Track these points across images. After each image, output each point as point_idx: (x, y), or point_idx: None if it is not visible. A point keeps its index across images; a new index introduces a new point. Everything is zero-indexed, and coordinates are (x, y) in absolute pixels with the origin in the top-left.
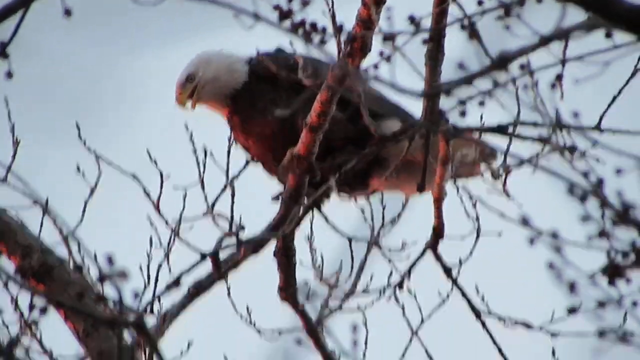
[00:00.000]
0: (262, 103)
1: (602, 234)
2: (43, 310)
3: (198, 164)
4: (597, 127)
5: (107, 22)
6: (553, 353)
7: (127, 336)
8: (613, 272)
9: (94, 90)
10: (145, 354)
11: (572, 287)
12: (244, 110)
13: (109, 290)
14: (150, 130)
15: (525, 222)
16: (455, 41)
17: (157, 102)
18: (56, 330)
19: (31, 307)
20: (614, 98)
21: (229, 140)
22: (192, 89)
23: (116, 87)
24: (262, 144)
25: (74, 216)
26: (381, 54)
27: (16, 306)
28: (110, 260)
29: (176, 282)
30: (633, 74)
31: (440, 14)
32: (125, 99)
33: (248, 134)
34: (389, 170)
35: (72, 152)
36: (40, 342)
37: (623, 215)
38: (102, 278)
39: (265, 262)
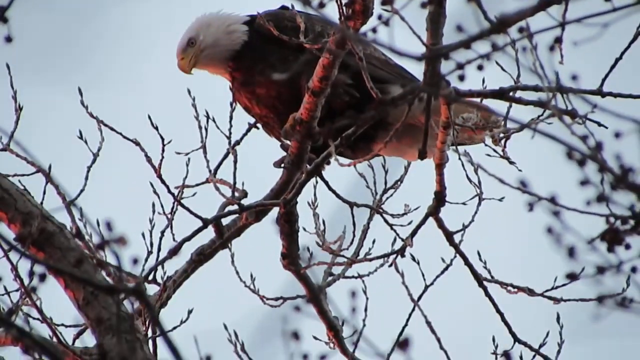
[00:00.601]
0: (268, 63)
1: (601, 198)
2: (42, 278)
3: (200, 129)
4: (599, 91)
5: None
6: (558, 319)
7: (128, 304)
8: (612, 238)
9: (97, 56)
10: (145, 321)
11: (571, 252)
12: (248, 71)
13: (109, 257)
14: (152, 96)
15: (523, 186)
16: (453, 4)
17: (159, 67)
18: (57, 299)
19: (31, 274)
20: (616, 61)
21: (231, 105)
22: (192, 53)
23: (118, 53)
24: (266, 104)
25: (77, 182)
26: (379, 17)
27: (16, 274)
28: (109, 226)
29: (178, 249)
30: (635, 38)
31: None
32: (127, 65)
33: (251, 95)
34: (390, 134)
35: (74, 117)
36: (40, 311)
37: (622, 179)
38: (101, 245)
39: (268, 228)
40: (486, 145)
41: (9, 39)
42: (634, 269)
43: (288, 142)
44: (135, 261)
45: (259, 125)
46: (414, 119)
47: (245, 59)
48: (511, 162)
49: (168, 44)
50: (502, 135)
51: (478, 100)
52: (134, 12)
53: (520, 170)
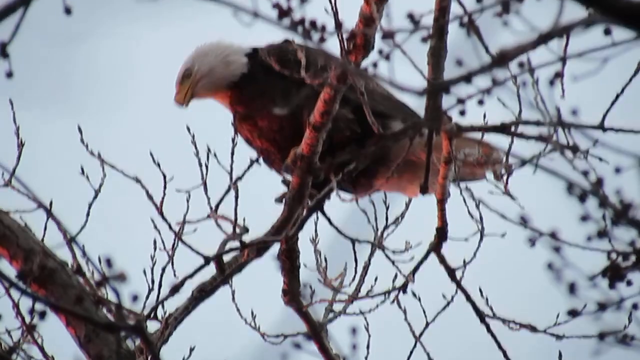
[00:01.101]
0: (270, 97)
1: (602, 233)
2: (42, 315)
3: (201, 165)
4: (600, 126)
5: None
6: (560, 357)
7: (129, 341)
8: (613, 274)
9: (98, 92)
10: (146, 359)
11: (572, 289)
12: (249, 103)
13: (110, 294)
14: (153, 133)
15: (524, 222)
16: (454, 38)
17: (160, 104)
18: (58, 336)
19: (32, 312)
20: (617, 96)
21: (233, 141)
22: (189, 84)
23: (120, 90)
24: (267, 137)
25: (78, 219)
26: (380, 51)
27: (18, 311)
28: (109, 263)
29: (180, 287)
30: (636, 72)
31: (441, 11)
32: (129, 102)
33: (253, 127)
34: (391, 170)
35: (75, 154)
36: (41, 348)
37: (623, 215)
38: (101, 281)
39: (269, 264)
40: (488, 181)
41: (9, 74)
42: (635, 306)
43: (289, 176)
44: (135, 298)
45: (260, 161)
46: (414, 155)
47: (246, 90)
48: (513, 198)
49: (169, 80)
50: (503, 171)
51: (479, 135)
52: (134, 45)
53: (522, 208)
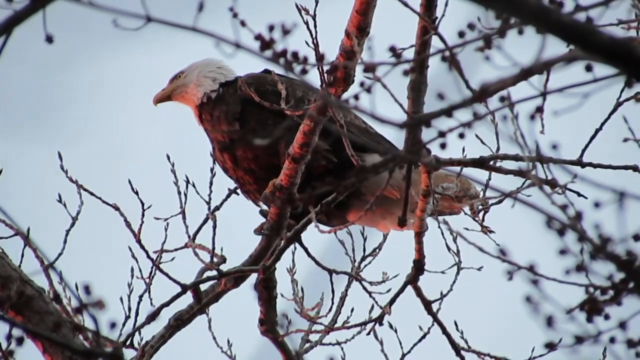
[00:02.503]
0: (248, 127)
1: (580, 267)
2: (20, 341)
3: (180, 194)
4: (579, 161)
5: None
6: None
7: None
8: (591, 308)
9: (76, 120)
10: None
11: (549, 322)
12: (215, 125)
13: (87, 321)
14: (132, 161)
15: (503, 255)
16: (435, 71)
17: (139, 133)
18: None
19: (9, 338)
20: (596, 132)
21: (211, 171)
22: (174, 84)
23: (99, 119)
24: (243, 166)
25: (56, 246)
26: (362, 84)
27: None
28: (87, 290)
29: (156, 314)
30: (615, 109)
31: (422, 46)
32: (108, 131)
33: (230, 156)
34: (367, 203)
35: (53, 181)
36: None
37: (601, 249)
38: (79, 308)
39: (246, 294)
40: (466, 214)
41: None
42: (612, 340)
43: (267, 207)
44: (113, 325)
45: (238, 191)
46: (387, 190)
47: (215, 113)
48: (489, 232)
49: (149, 109)
50: (481, 206)
51: (458, 168)
52: (114, 74)
53: (498, 245)
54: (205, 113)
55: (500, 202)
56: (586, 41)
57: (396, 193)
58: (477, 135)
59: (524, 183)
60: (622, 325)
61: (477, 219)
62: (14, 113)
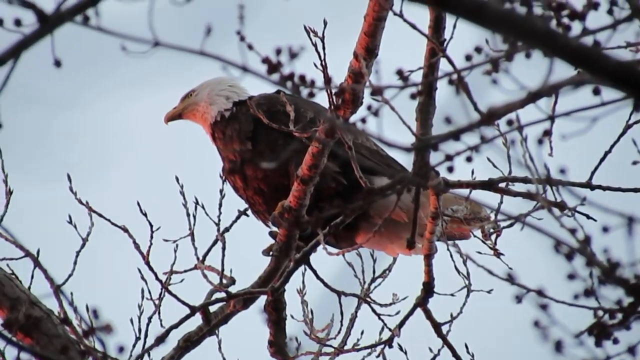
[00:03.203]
0: (258, 149)
1: (589, 292)
2: None
3: (189, 216)
4: (588, 184)
5: (102, 72)
6: None
7: None
8: (600, 332)
9: (86, 142)
10: None
11: (558, 347)
12: (227, 144)
13: (96, 344)
14: (141, 183)
15: (512, 279)
16: (443, 95)
17: (148, 154)
18: None
19: None
20: (605, 154)
21: (221, 192)
22: (186, 103)
23: (109, 140)
24: (252, 186)
25: (65, 268)
26: (369, 107)
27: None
28: (96, 314)
29: (165, 336)
30: (624, 132)
31: (430, 68)
32: (117, 152)
33: (241, 176)
34: (375, 226)
35: (63, 204)
36: None
37: (610, 274)
38: (87, 332)
39: (255, 316)
40: (475, 237)
41: None
42: None
43: (276, 228)
44: (121, 349)
45: (248, 212)
46: (395, 213)
47: (227, 132)
48: (500, 254)
49: (159, 133)
50: (492, 230)
51: (467, 191)
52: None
53: (510, 268)
54: (217, 131)
55: (510, 225)
56: (594, 65)
57: (404, 216)
58: (488, 159)
59: (534, 206)
60: (631, 349)
61: (488, 242)
62: (25, 148)
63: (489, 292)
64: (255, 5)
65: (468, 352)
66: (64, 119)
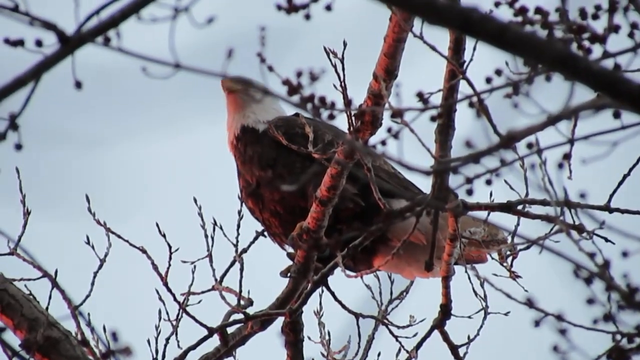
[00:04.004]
0: (276, 172)
1: (608, 317)
2: None
3: (207, 237)
4: (606, 207)
5: (115, 98)
6: None
7: None
8: (618, 356)
9: (103, 162)
10: None
11: None
12: (251, 169)
13: None
14: (159, 204)
15: (530, 303)
16: (463, 117)
17: (166, 175)
18: None
19: None
20: (624, 177)
21: (239, 214)
22: (246, 88)
23: (125, 160)
24: (269, 208)
25: (83, 288)
26: (389, 130)
27: None
28: (115, 336)
29: (183, 357)
30: None
31: (450, 90)
32: (135, 172)
33: (256, 198)
34: (393, 249)
35: (81, 224)
36: None
37: (629, 299)
38: (106, 354)
39: (272, 337)
40: (493, 259)
41: (19, 147)
42: None
43: (292, 249)
44: None
45: (266, 234)
46: (414, 236)
47: (248, 148)
48: (517, 277)
49: (176, 153)
50: (508, 252)
51: (485, 213)
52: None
53: (526, 291)
54: (240, 145)
55: (528, 248)
56: (614, 89)
57: (422, 238)
58: (506, 181)
59: (552, 229)
60: None
61: (505, 264)
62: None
63: (506, 314)
64: (276, 27)
65: None
66: (85, 157)
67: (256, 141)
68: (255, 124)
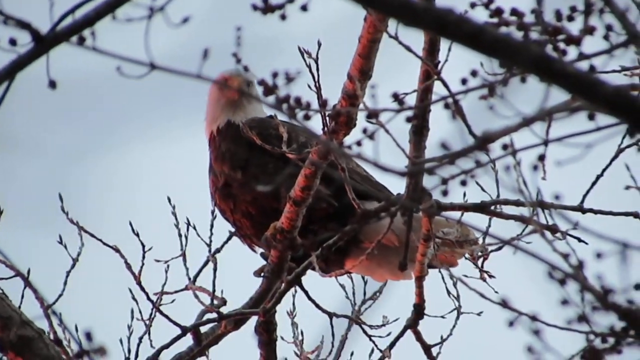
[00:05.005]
0: (250, 172)
1: (582, 318)
2: None
3: (180, 236)
4: (580, 207)
5: (91, 107)
6: None
7: None
8: (592, 356)
9: (75, 161)
10: None
11: None
12: (222, 167)
13: None
14: (132, 203)
15: (504, 303)
16: (438, 118)
17: (140, 175)
18: None
19: None
20: (597, 178)
21: (212, 213)
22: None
23: (99, 160)
24: (240, 209)
25: (56, 288)
26: (364, 131)
27: None
28: (89, 336)
29: (156, 357)
30: (616, 155)
31: (425, 91)
32: (108, 171)
33: (228, 198)
34: (366, 250)
35: (54, 223)
36: None
37: (603, 300)
38: (80, 354)
39: (246, 337)
40: (466, 259)
41: None
42: None
43: (263, 251)
44: None
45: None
46: (386, 238)
47: (229, 155)
48: (490, 277)
49: (150, 153)
50: (480, 253)
51: (459, 214)
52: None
53: (496, 292)
54: (219, 138)
55: (500, 248)
56: (589, 92)
57: (394, 240)
58: (477, 183)
59: (524, 229)
60: None
61: (477, 264)
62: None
63: (478, 314)
64: (251, 27)
65: None
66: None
67: (233, 140)
68: (240, 119)
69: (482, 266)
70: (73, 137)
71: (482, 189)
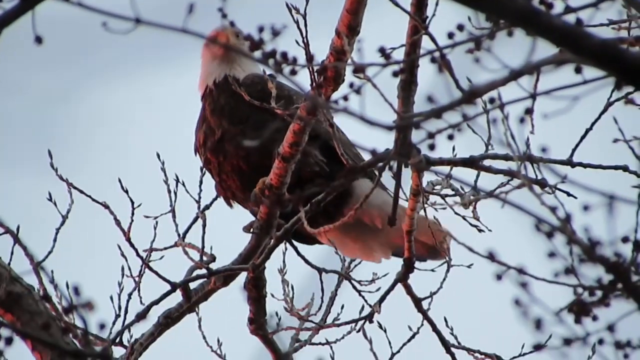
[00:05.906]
0: (241, 125)
1: (569, 270)
2: (9, 341)
3: (169, 193)
4: (569, 161)
5: (79, 52)
6: None
7: None
8: (579, 309)
9: (65, 119)
10: None
11: (537, 324)
12: (220, 121)
13: (77, 320)
14: (122, 159)
15: (492, 257)
16: (425, 73)
17: (129, 131)
18: None
19: None
20: (587, 131)
21: (201, 170)
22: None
23: (88, 116)
24: (231, 164)
25: (45, 244)
26: (351, 85)
27: None
28: (77, 291)
29: (146, 313)
30: (605, 109)
31: (412, 45)
32: (98, 128)
33: (218, 152)
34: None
35: (43, 180)
36: None
37: (590, 252)
38: (68, 309)
39: (235, 293)
40: (456, 213)
41: None
42: (600, 341)
43: (240, 205)
44: (102, 326)
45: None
46: (368, 216)
47: (218, 100)
48: (480, 228)
49: (139, 109)
50: (472, 198)
51: (448, 168)
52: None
53: (490, 230)
54: (217, 92)
55: (490, 195)
56: (576, 44)
57: (377, 222)
58: (469, 125)
59: (508, 181)
60: (611, 327)
61: (468, 212)
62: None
63: (468, 266)
64: None
65: (447, 326)
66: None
67: (232, 94)
68: (238, 73)
69: (475, 213)
70: (56, 80)
71: (474, 131)
